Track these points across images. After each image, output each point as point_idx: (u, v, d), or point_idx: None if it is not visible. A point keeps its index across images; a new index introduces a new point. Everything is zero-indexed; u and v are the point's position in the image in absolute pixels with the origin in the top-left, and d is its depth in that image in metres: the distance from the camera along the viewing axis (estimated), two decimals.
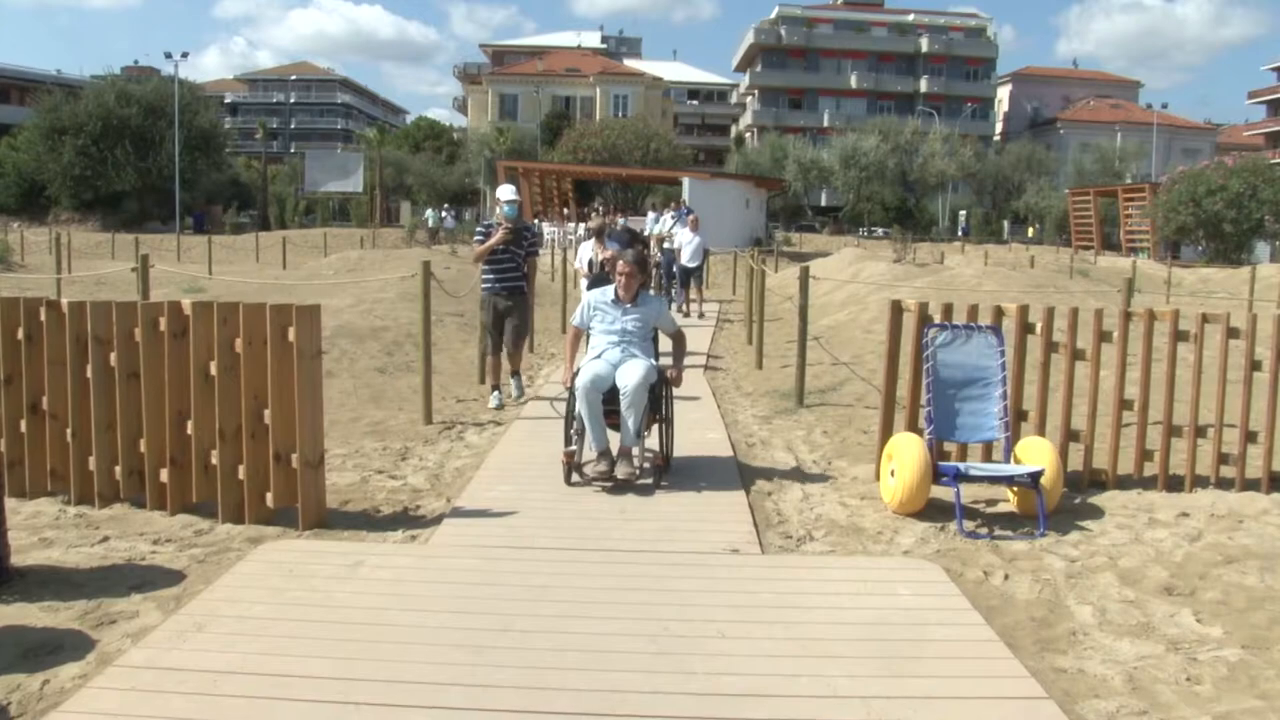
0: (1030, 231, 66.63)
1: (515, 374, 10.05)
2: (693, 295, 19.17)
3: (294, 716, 3.50)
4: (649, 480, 6.71)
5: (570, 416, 6.79)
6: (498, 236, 9.44)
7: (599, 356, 6.88)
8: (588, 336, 7.23)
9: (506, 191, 9.83)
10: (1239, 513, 6.22)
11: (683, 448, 7.91)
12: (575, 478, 6.71)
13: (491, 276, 9.59)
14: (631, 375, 6.61)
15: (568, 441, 6.77)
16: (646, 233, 21.23)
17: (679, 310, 18.32)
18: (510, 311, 9.58)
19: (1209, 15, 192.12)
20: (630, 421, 6.61)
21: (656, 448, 7.02)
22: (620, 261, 7.04)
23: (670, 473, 6.88)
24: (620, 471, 6.55)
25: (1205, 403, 6.87)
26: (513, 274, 9.59)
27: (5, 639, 4.13)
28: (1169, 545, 5.64)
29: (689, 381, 10.97)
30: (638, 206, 43.00)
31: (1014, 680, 3.92)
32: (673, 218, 20.94)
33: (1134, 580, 5.10)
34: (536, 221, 34.18)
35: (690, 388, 10.71)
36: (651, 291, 11.45)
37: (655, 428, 7.02)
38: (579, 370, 6.78)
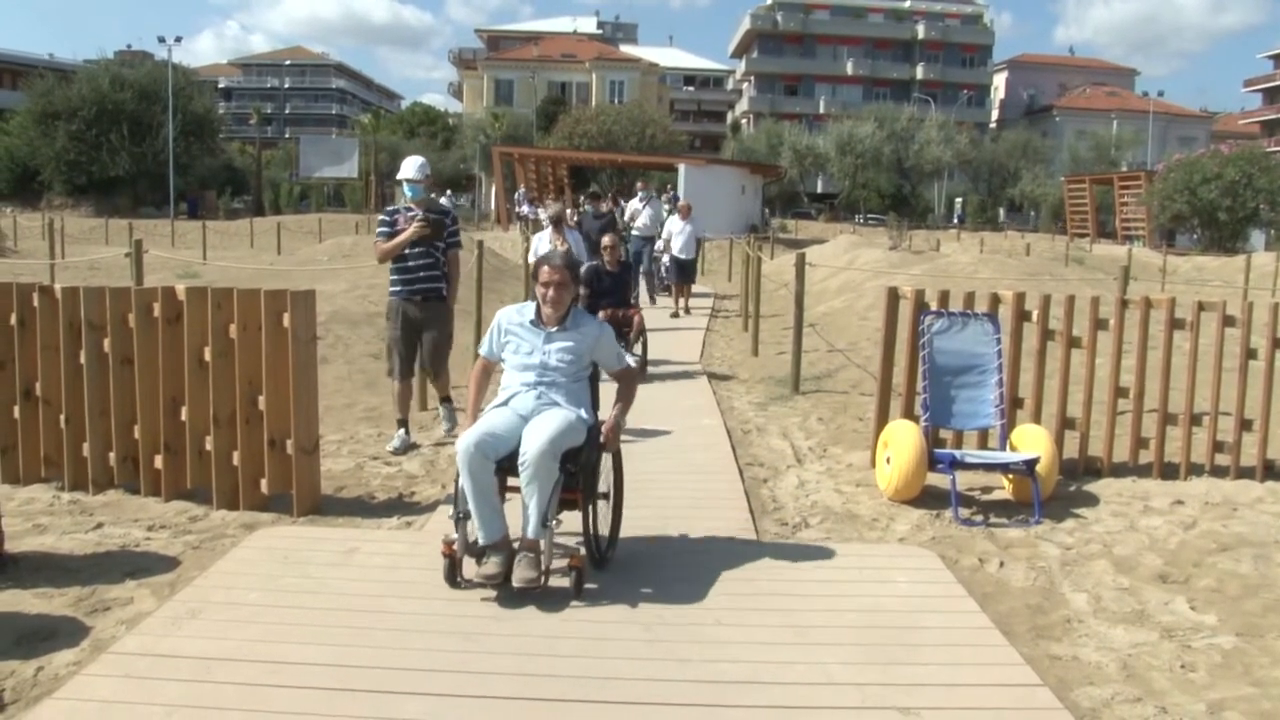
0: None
1: (445, 400, 7.92)
2: (682, 291, 16.89)
3: (289, 703, 3.49)
4: (567, 583, 4.57)
5: (456, 491, 4.68)
6: (410, 230, 7.22)
7: (505, 404, 4.88)
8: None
9: (410, 166, 7.38)
10: (1233, 500, 6.24)
11: (679, 434, 7.91)
12: (464, 578, 4.65)
13: (400, 279, 7.44)
14: (537, 435, 4.53)
15: (455, 525, 4.66)
16: (629, 218, 18.28)
17: (671, 315, 16.11)
18: (427, 322, 7.43)
19: (1207, 2, 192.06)
20: (532, 503, 4.50)
21: (601, 531, 4.98)
22: (545, 267, 4.94)
23: (609, 568, 4.88)
24: (518, 576, 4.41)
25: (1200, 391, 6.88)
26: (428, 274, 7.43)
27: None
28: (1164, 533, 5.65)
29: (682, 367, 10.99)
30: (634, 192, 42.90)
31: (1009, 667, 3.93)
32: (640, 199, 18.21)
33: (1129, 568, 5.11)
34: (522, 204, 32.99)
35: (684, 373, 10.74)
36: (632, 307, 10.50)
37: (593, 508, 4.85)
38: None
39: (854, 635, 4.17)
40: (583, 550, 4.77)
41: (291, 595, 4.49)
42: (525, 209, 31.53)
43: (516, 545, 4.58)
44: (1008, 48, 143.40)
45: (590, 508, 4.79)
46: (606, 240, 10.77)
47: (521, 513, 4.57)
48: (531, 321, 4.98)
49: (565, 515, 4.76)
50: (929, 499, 6.16)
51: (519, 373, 4.94)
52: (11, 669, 3.74)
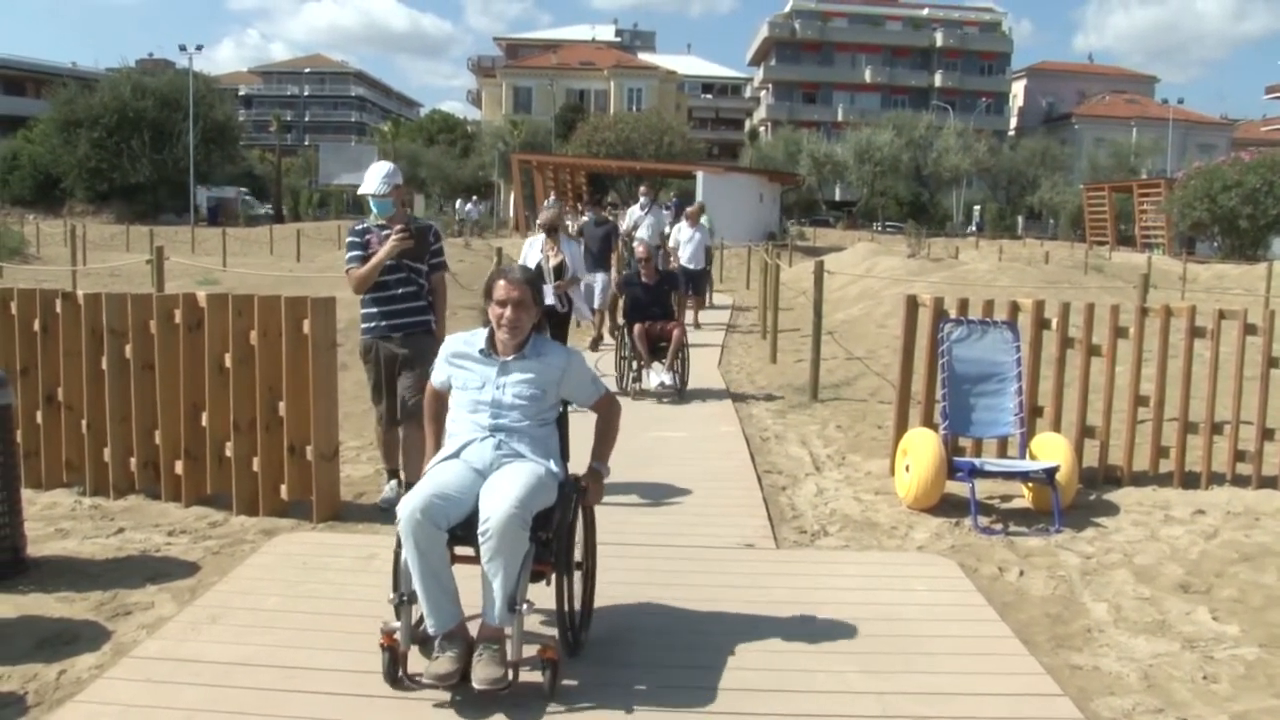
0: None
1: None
2: (690, 304, 14.92)
3: (308, 709, 3.50)
4: (540, 677, 3.65)
5: (396, 566, 3.75)
6: (387, 247, 5.82)
7: (456, 455, 3.95)
8: None
9: (373, 177, 5.96)
10: (1255, 510, 6.19)
11: (696, 441, 7.90)
12: (410, 674, 3.69)
13: (376, 312, 6.02)
14: (500, 498, 3.62)
15: (396, 611, 3.72)
16: (626, 229, 15.74)
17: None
18: (411, 361, 5.92)
19: (1229, 9, 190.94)
20: (496, 583, 3.58)
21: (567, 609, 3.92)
22: (501, 282, 3.99)
23: (583, 654, 3.96)
24: (479, 675, 3.52)
25: (1221, 399, 6.83)
26: (409, 305, 5.99)
27: (22, 629, 4.15)
28: (1185, 542, 5.62)
29: (701, 375, 10.91)
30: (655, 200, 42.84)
31: (1029, 677, 3.91)
32: (642, 206, 15.95)
33: (1150, 577, 5.08)
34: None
35: (702, 380, 10.68)
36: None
37: (568, 580, 3.89)
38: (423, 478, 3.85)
39: (873, 644, 4.16)
40: (555, 634, 3.93)
41: (311, 601, 4.51)
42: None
43: (475, 633, 3.66)
44: (1027, 55, 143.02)
45: (565, 581, 3.84)
46: (640, 250, 10.52)
47: (482, 592, 3.63)
48: (482, 351, 4.03)
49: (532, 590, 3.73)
50: (948, 507, 6.14)
51: (469, 414, 4.01)
52: (34, 672, 3.77)
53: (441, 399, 4.24)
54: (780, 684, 3.77)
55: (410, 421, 5.86)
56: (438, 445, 4.16)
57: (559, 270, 8.89)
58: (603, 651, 4.01)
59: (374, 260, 5.85)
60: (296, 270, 22.87)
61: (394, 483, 6.21)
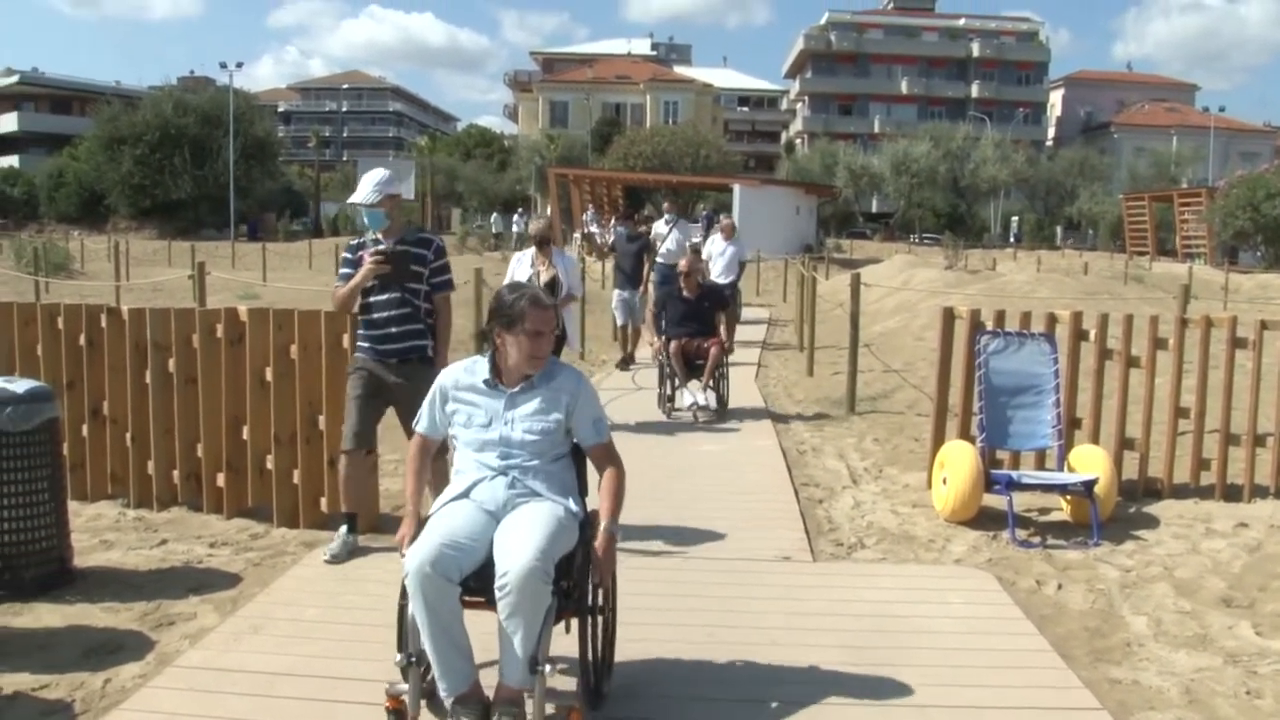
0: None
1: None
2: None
3: (349, 718, 3.54)
4: None
5: (402, 622, 3.45)
6: (361, 273, 5.36)
7: (465, 494, 3.60)
8: (451, 452, 3.91)
9: (363, 186, 5.43)
10: None
11: (732, 453, 7.90)
12: None
13: (367, 335, 5.47)
14: (519, 547, 3.28)
15: (403, 673, 3.39)
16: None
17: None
18: (402, 390, 5.30)
19: (1272, 15, 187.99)
20: (516, 640, 3.24)
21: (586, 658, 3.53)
22: (535, 309, 3.59)
23: (605, 705, 3.63)
24: None
25: (1264, 410, 6.75)
26: (403, 329, 5.40)
27: (69, 638, 4.23)
28: (1227, 556, 5.55)
29: (737, 387, 10.70)
30: (690, 213, 42.83)
31: (1068, 691, 3.89)
32: (666, 221, 15.11)
33: (1190, 591, 5.02)
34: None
35: (738, 392, 10.57)
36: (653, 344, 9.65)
37: (591, 628, 3.54)
38: (422, 528, 3.47)
39: (910, 656, 4.15)
40: (575, 685, 3.62)
41: (350, 612, 4.55)
42: (594, 229, 29.25)
43: (491, 695, 3.32)
44: (1065, 65, 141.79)
45: (588, 629, 3.50)
46: (683, 264, 10.03)
47: (499, 648, 3.29)
48: (486, 382, 3.66)
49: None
50: (985, 520, 6.10)
51: (475, 453, 3.65)
52: (81, 680, 3.84)
53: (428, 449, 3.81)
54: (816, 697, 3.76)
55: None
56: (417, 505, 3.69)
57: (551, 287, 8.18)
58: (633, 664, 4.02)
59: (352, 283, 5.39)
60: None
61: (344, 529, 5.42)
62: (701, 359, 9.48)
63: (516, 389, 3.64)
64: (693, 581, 5.01)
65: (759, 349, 15.18)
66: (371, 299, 5.40)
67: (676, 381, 9.55)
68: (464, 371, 3.73)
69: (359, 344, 5.53)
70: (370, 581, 4.93)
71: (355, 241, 5.64)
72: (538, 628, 3.25)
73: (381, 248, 5.36)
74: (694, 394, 9.39)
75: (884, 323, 17.31)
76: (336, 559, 5.26)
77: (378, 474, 6.17)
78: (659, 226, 15.09)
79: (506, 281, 5.99)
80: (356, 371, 5.46)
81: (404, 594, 3.34)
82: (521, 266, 8.46)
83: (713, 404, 9.56)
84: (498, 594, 3.23)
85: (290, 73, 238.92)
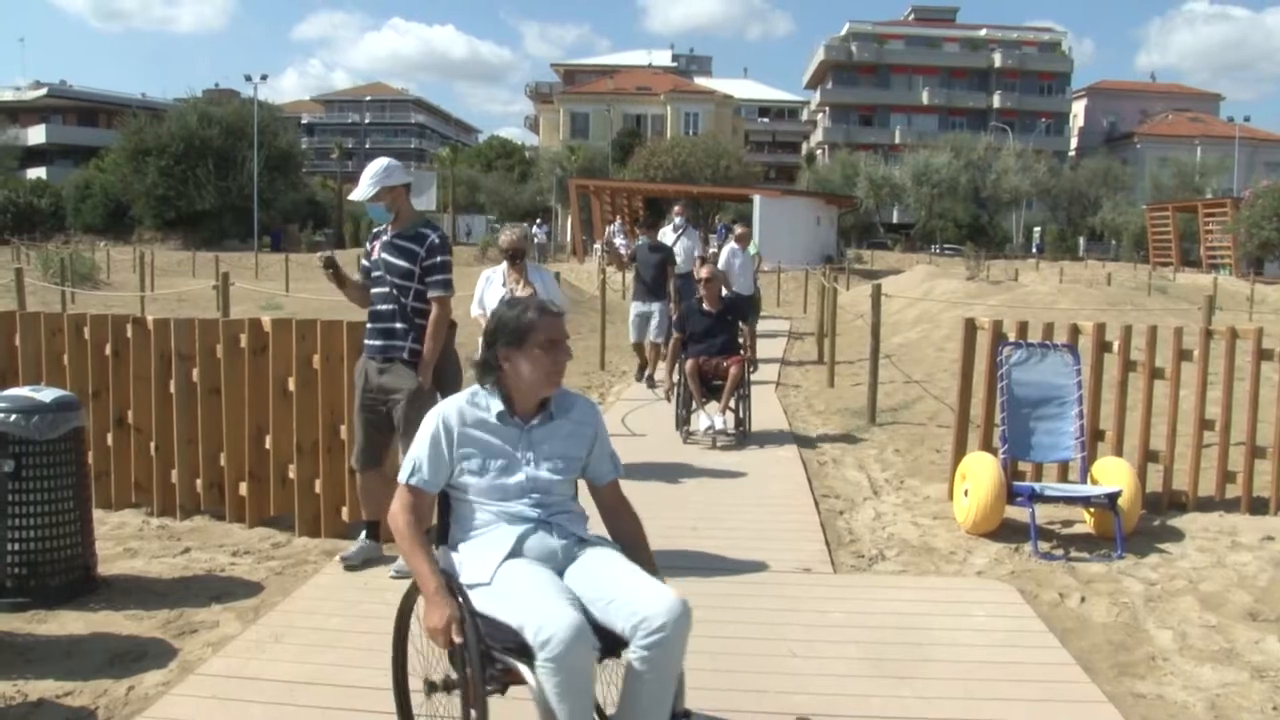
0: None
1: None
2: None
3: None
4: None
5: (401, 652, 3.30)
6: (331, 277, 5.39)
7: (517, 553, 3.05)
8: (443, 508, 3.28)
9: (364, 180, 5.28)
10: None
11: (753, 464, 7.91)
12: None
13: (368, 330, 5.45)
14: (648, 587, 2.96)
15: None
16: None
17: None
18: (387, 395, 5.27)
19: None
20: (661, 691, 2.92)
21: None
22: (549, 319, 3.17)
23: None
24: None
25: None
26: (388, 326, 5.32)
27: (93, 645, 4.26)
28: (1253, 569, 5.50)
29: (757, 397, 9.83)
30: (709, 224, 42.82)
31: (1091, 705, 3.86)
32: (675, 227, 13.52)
33: (1216, 605, 4.98)
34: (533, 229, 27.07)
35: (758, 403, 10.25)
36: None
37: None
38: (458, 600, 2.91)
39: (932, 669, 4.13)
40: None
41: (372, 621, 4.55)
42: (620, 241, 27.88)
43: None
44: (1088, 75, 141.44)
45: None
46: (704, 272, 9.26)
47: (630, 707, 2.92)
48: (500, 415, 3.14)
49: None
50: (1008, 532, 6.07)
51: (499, 502, 3.12)
52: (105, 688, 3.86)
53: (420, 510, 3.13)
54: (835, 709, 3.75)
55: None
56: (440, 576, 2.96)
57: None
58: None
59: (338, 282, 5.39)
60: None
61: (364, 534, 5.46)
62: (720, 379, 8.79)
63: (535, 422, 3.18)
64: (712, 593, 5.00)
65: (778, 363, 15.15)
66: (373, 292, 5.39)
67: (693, 404, 8.90)
68: (468, 405, 3.17)
69: (366, 339, 5.47)
70: (391, 591, 4.93)
71: (376, 231, 5.57)
72: (677, 677, 2.97)
73: (328, 255, 5.39)
74: (711, 417, 8.68)
75: (905, 334, 17.27)
76: (351, 564, 5.27)
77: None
78: (666, 234, 13.34)
79: (473, 306, 5.94)
80: (357, 382, 5.40)
81: (401, 616, 3.20)
82: (492, 287, 7.09)
83: (730, 428, 8.85)
84: (643, 646, 2.82)
85: (314, 85, 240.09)
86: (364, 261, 5.52)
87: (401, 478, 3.15)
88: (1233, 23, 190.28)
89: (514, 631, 2.81)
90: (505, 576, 2.97)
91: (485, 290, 7.15)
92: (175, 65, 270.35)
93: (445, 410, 3.16)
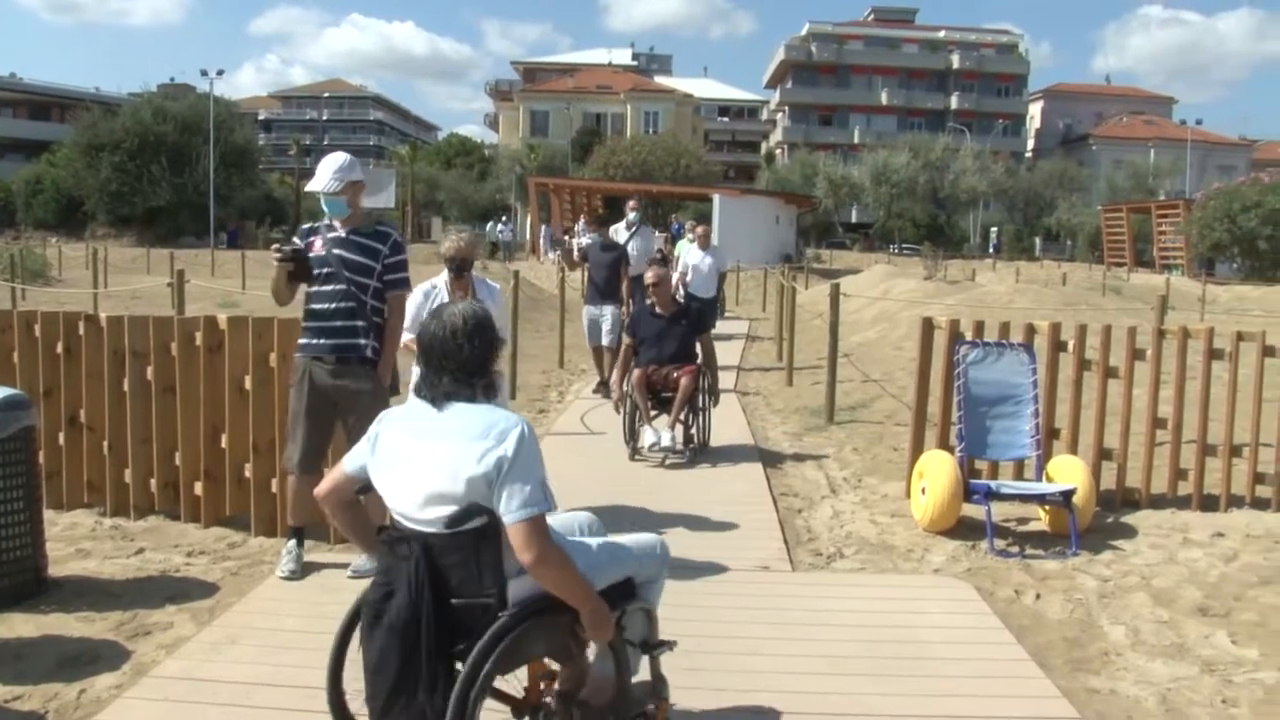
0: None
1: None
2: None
3: None
4: None
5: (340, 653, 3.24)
6: (276, 269, 5.11)
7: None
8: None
9: (323, 172, 5.07)
10: (1275, 533, 6.15)
11: (713, 464, 7.91)
12: None
13: (307, 328, 5.15)
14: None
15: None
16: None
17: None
18: (344, 396, 5.06)
19: (1250, 30, 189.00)
20: None
21: None
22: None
23: None
24: None
25: (1240, 421, 6.79)
26: (347, 324, 5.06)
27: (43, 648, 4.19)
28: (1203, 565, 5.59)
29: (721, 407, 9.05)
30: (667, 223, 42.84)
31: (1046, 700, 3.90)
32: (628, 226, 12.69)
33: (1168, 601, 5.05)
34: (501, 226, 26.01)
35: (718, 408, 10.19)
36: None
37: None
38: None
39: (890, 666, 4.16)
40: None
41: (329, 622, 4.48)
42: (585, 240, 26.98)
43: None
44: (1045, 77, 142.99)
45: None
46: (650, 276, 8.40)
47: None
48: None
49: None
50: (964, 530, 6.12)
51: None
52: (55, 691, 3.80)
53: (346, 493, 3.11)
54: (796, 706, 3.77)
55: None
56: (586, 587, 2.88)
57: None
58: None
59: (272, 277, 5.12)
60: None
61: (293, 543, 5.21)
62: (671, 390, 8.05)
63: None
64: (671, 590, 4.98)
65: (738, 355, 15.18)
66: (319, 288, 5.07)
67: (639, 418, 8.11)
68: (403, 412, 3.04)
69: (299, 341, 5.18)
70: (349, 591, 4.88)
71: (307, 226, 5.31)
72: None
73: (283, 247, 5.06)
74: (659, 433, 7.89)
75: (863, 333, 17.38)
76: (292, 576, 5.10)
77: None
78: (620, 231, 12.76)
79: (411, 322, 5.46)
80: (299, 382, 5.11)
81: (348, 625, 3.13)
82: (427, 299, 5.93)
83: (679, 444, 8.00)
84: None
85: (271, 81, 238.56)
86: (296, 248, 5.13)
87: (528, 512, 2.75)
88: (1186, 27, 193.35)
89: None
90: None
91: (421, 307, 5.79)
92: (130, 59, 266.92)
93: (379, 425, 3.05)
